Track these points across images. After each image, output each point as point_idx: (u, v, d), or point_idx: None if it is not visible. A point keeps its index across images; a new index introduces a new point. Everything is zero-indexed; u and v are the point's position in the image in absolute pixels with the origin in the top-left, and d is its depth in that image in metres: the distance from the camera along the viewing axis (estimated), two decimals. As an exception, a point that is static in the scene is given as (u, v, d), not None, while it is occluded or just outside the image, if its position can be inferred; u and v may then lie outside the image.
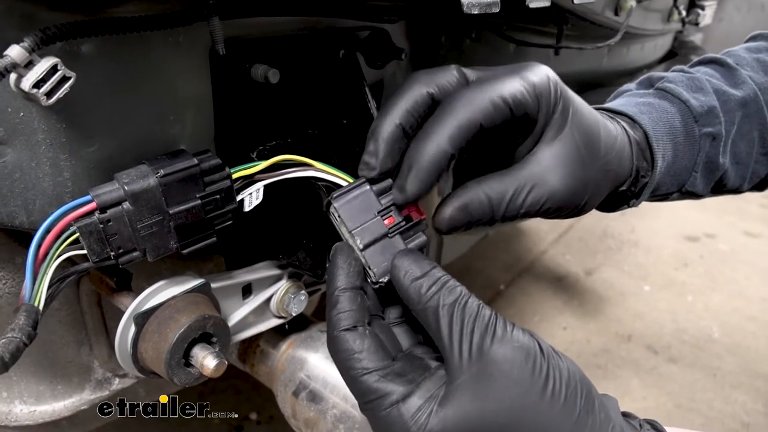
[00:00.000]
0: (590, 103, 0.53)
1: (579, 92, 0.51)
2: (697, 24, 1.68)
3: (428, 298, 0.42)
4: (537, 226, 2.81)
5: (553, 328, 2.15)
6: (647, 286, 2.45)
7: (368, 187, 0.47)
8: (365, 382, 0.42)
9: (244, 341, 0.76)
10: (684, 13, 1.59)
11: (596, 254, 2.67)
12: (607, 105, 0.61)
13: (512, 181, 0.46)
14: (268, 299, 0.67)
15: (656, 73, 0.66)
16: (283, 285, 0.68)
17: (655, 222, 2.96)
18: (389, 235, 0.47)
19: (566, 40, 1.03)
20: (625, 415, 0.45)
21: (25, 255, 0.43)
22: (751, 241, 2.85)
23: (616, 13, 1.07)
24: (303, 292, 0.69)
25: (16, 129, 0.44)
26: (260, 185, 0.53)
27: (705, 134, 0.59)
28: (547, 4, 0.63)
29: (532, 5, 0.61)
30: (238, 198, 0.52)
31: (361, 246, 0.46)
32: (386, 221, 0.47)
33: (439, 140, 0.43)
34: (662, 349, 2.08)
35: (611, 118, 0.55)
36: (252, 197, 0.53)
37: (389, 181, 0.47)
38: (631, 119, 0.58)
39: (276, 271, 0.67)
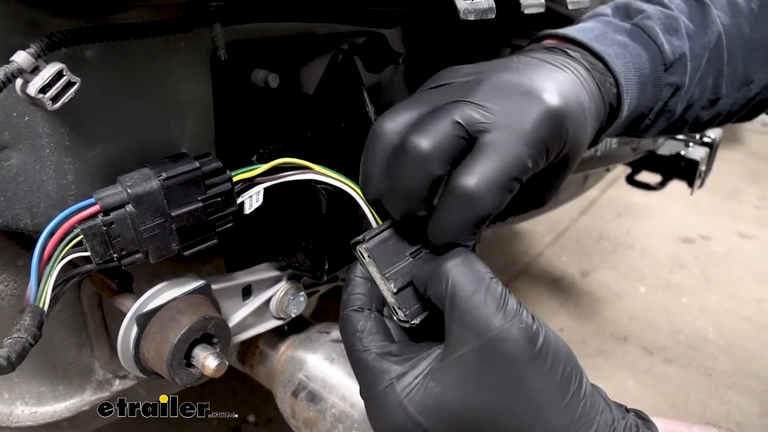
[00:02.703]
0: None
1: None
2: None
3: (435, 268, 0.42)
4: (533, 228, 2.83)
5: (550, 330, 2.16)
6: (643, 287, 2.46)
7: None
8: (363, 359, 0.43)
9: (243, 342, 0.77)
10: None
11: (592, 256, 2.68)
12: (587, 41, 0.55)
13: None
14: (268, 300, 0.68)
15: (634, 3, 0.62)
16: (282, 286, 0.68)
17: (651, 224, 2.98)
18: None
19: (561, 44, 1.04)
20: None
21: (26, 258, 0.44)
22: (745, 242, 2.87)
23: (611, 18, 1.08)
24: (302, 293, 0.70)
25: (21, 133, 0.45)
26: (260, 188, 0.54)
27: (669, 84, 0.58)
28: (542, 10, 0.65)
29: (527, 11, 0.62)
30: (239, 200, 0.53)
31: (395, 290, 0.45)
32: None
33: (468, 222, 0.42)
34: (658, 350, 2.09)
35: (588, 70, 0.52)
36: (252, 200, 0.54)
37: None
38: (606, 66, 0.55)
39: (275, 273, 0.68)
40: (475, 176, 0.41)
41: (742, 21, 0.61)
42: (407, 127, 0.44)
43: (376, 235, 0.46)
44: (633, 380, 1.94)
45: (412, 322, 0.46)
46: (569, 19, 0.95)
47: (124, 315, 0.54)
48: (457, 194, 0.42)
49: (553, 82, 0.46)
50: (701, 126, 0.66)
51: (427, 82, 0.50)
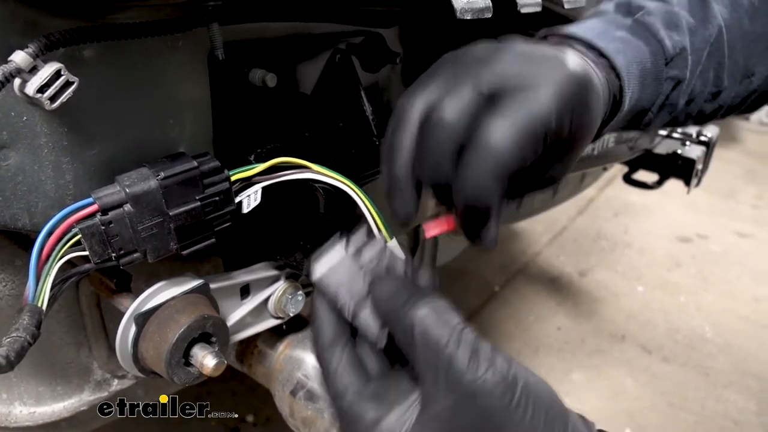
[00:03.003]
0: None
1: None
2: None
3: (402, 317, 0.41)
4: (531, 227, 2.83)
5: (548, 329, 2.16)
6: (640, 286, 2.47)
7: (345, 247, 0.45)
8: (338, 405, 0.42)
9: (242, 342, 0.77)
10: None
11: (590, 255, 2.69)
12: (589, 38, 0.56)
13: None
14: (266, 300, 0.68)
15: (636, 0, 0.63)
16: (280, 286, 0.68)
17: (648, 223, 2.99)
18: None
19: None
20: None
21: (25, 257, 0.44)
22: (742, 241, 2.88)
23: (607, 17, 1.09)
24: (300, 292, 0.70)
25: (19, 133, 0.45)
26: (258, 187, 0.54)
27: (670, 77, 0.59)
28: (539, 9, 0.65)
29: (523, 11, 0.63)
30: (237, 200, 0.53)
31: (356, 313, 0.44)
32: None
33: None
34: (655, 348, 2.10)
35: (594, 62, 0.54)
36: (250, 199, 0.54)
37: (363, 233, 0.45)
38: (608, 61, 0.55)
39: (274, 272, 0.68)
40: (497, 125, 0.41)
41: (742, 14, 0.62)
42: (434, 102, 0.45)
43: (327, 259, 0.45)
44: (631, 379, 1.94)
45: (379, 347, 0.44)
46: (566, 19, 0.95)
47: (122, 314, 0.54)
48: (481, 144, 0.41)
49: (573, 57, 0.47)
50: (705, 118, 0.67)
51: (447, 62, 0.49)
